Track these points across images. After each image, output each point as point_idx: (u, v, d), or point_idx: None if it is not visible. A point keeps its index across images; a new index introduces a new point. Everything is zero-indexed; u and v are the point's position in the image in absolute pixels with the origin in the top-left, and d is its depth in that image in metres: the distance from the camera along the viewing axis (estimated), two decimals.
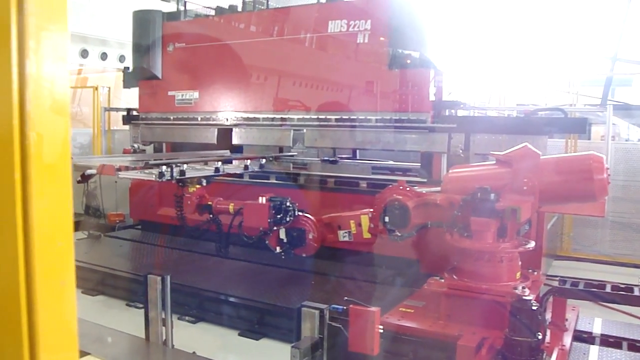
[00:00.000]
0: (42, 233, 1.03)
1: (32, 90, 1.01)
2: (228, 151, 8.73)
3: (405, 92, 7.20)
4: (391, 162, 8.64)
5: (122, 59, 14.94)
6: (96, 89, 12.42)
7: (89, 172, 8.65)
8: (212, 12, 9.28)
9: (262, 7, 8.80)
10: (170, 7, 11.96)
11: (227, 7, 9.09)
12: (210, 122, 8.96)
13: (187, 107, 9.21)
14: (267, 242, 6.21)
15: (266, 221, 5.98)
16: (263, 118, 8.37)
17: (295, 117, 8.04)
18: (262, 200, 6.05)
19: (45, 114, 1.03)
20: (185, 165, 6.59)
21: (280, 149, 8.97)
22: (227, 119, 8.76)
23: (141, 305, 5.58)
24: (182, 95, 9.26)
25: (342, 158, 8.92)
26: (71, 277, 1.09)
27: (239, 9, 8.99)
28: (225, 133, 8.86)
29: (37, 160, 1.01)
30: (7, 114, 0.99)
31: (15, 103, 0.99)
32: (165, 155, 9.03)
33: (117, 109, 12.17)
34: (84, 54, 14.14)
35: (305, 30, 7.97)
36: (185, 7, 9.69)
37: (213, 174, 6.96)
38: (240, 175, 8.34)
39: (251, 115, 8.50)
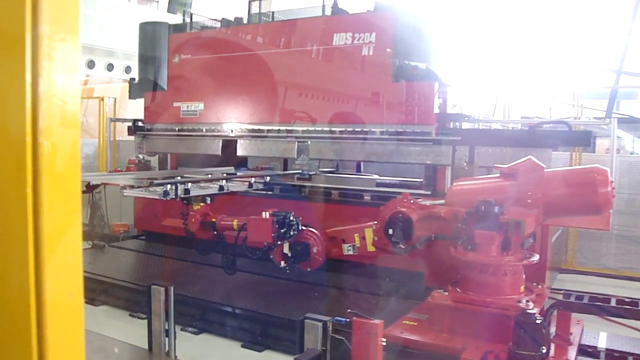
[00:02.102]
0: (52, 245, 1.04)
1: (45, 102, 1.03)
2: (232, 168, 8.75)
3: (410, 105, 7.22)
4: (376, 177, 8.60)
5: (128, 70, 15.06)
6: (102, 99, 12.50)
7: (93, 182, 8.69)
8: (218, 24, 9.34)
9: (267, 19, 8.84)
10: (177, 19, 12.04)
11: (232, 19, 9.15)
12: (215, 134, 8.99)
13: (192, 119, 9.24)
14: (271, 256, 6.21)
15: (270, 236, 5.97)
16: (268, 130, 8.39)
17: (300, 129, 8.06)
18: (266, 215, 6.04)
19: (57, 125, 1.05)
20: (189, 184, 6.61)
21: (285, 161, 8.98)
22: (232, 131, 8.78)
23: (144, 316, 5.58)
24: (187, 107, 9.29)
25: (324, 171, 8.90)
26: (79, 289, 1.11)
27: (245, 20, 9.04)
28: (230, 144, 8.89)
29: (48, 172, 1.03)
30: (20, 124, 1.01)
31: (28, 114, 1.01)
32: (169, 173, 9.05)
33: (123, 120, 12.22)
34: (91, 64, 14.26)
35: (310, 43, 8.01)
36: (191, 19, 9.76)
37: (217, 192, 6.97)
38: None
39: (256, 127, 8.53)
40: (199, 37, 9.37)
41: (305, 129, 8.02)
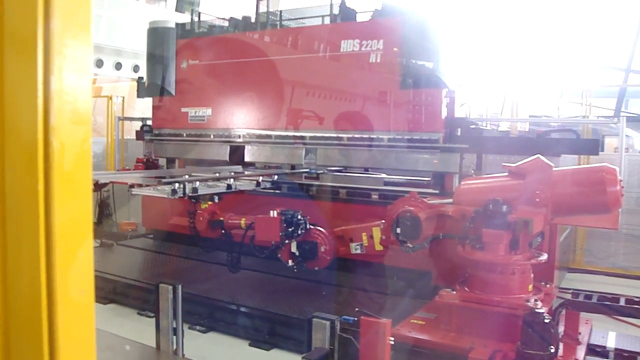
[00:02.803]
0: (63, 242, 1.05)
1: (56, 99, 1.03)
2: (240, 167, 8.75)
3: (417, 112, 7.19)
4: (384, 176, 8.58)
5: (136, 68, 15.09)
6: (110, 98, 12.53)
7: (102, 180, 8.72)
8: (226, 24, 9.32)
9: (275, 19, 8.82)
10: (185, 18, 12.04)
11: (240, 18, 9.13)
12: (223, 139, 9.00)
13: (200, 124, 9.25)
14: (279, 255, 6.21)
15: (278, 235, 5.97)
16: (275, 136, 8.40)
17: (308, 135, 8.05)
18: (274, 214, 6.04)
19: (68, 122, 1.06)
20: (197, 183, 6.62)
21: (292, 167, 8.98)
22: (239, 136, 8.79)
23: (152, 314, 5.60)
24: (195, 112, 9.30)
25: (332, 170, 8.90)
26: (90, 287, 1.11)
27: (252, 19, 9.01)
28: (237, 150, 8.89)
29: (59, 169, 1.03)
30: (32, 122, 1.02)
31: (40, 111, 1.02)
32: (177, 171, 9.06)
33: (131, 119, 12.27)
34: (99, 63, 14.30)
35: (318, 50, 7.98)
36: (199, 18, 9.75)
37: (225, 190, 6.98)
38: None
39: (263, 133, 8.53)
40: (206, 42, 9.34)
41: (312, 134, 8.02)
